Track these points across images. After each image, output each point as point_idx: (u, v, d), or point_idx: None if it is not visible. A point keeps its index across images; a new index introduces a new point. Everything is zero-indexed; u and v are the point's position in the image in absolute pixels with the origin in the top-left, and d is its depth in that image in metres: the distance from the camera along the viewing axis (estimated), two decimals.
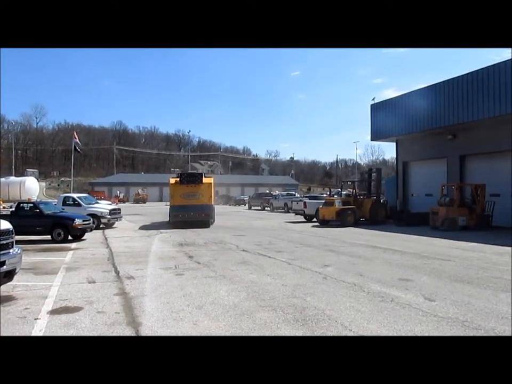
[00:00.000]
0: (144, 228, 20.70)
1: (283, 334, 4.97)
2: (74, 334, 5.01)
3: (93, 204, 21.48)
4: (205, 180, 21.30)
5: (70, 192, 37.88)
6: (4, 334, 4.92)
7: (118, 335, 4.99)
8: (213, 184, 21.76)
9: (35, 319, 5.65)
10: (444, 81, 21.54)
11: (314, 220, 23.51)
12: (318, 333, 5.02)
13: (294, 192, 47.43)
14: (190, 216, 20.01)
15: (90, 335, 4.98)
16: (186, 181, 20.92)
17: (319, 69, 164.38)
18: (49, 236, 14.75)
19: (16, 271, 6.90)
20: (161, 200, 68.27)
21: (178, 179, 21.20)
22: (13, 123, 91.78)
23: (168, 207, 22.01)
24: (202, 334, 4.97)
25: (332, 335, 4.95)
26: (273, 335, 4.95)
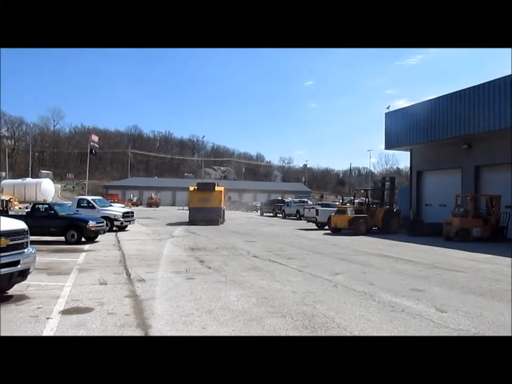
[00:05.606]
0: (169, 224, 25.76)
1: None
2: (85, 334, 5.07)
3: (107, 206, 21.75)
4: (217, 188, 27.11)
5: (84, 195, 38.39)
6: (16, 332, 5.01)
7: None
8: (223, 192, 27.62)
9: (47, 318, 5.72)
10: (459, 91, 21.35)
11: (326, 227, 23.41)
12: None
13: (306, 200, 47.23)
14: (204, 216, 25.50)
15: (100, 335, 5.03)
16: (202, 189, 26.82)
17: (332, 80, 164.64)
18: (63, 237, 14.96)
19: (30, 270, 7.01)
20: (174, 205, 68.66)
21: (196, 187, 27.11)
22: (31, 125, 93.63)
23: (182, 211, 26.82)
24: None
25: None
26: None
